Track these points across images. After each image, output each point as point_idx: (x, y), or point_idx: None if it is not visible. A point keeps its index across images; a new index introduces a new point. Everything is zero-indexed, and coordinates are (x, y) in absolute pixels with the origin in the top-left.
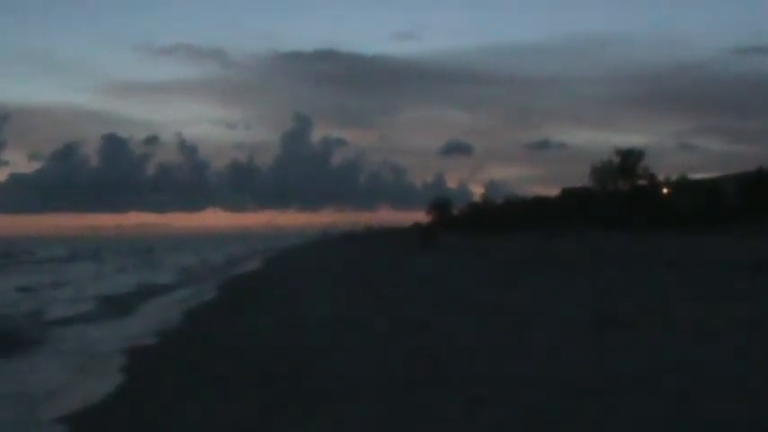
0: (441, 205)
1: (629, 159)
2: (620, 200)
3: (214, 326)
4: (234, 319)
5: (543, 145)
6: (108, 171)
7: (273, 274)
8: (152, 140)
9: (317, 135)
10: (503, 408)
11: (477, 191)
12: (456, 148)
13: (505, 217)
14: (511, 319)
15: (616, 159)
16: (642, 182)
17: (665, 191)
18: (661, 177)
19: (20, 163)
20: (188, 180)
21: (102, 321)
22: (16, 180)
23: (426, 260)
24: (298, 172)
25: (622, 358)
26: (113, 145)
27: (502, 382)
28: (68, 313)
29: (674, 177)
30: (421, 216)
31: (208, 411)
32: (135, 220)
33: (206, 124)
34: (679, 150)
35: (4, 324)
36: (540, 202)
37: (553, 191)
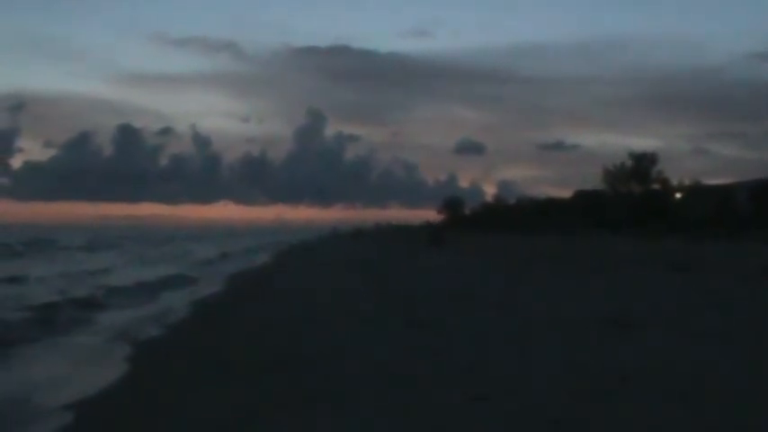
0: (453, 204)
1: (643, 163)
2: (632, 203)
3: (222, 321)
4: (243, 313)
5: (556, 146)
6: (121, 161)
7: (283, 270)
8: (166, 132)
9: (329, 131)
10: (505, 406)
11: (489, 190)
12: (468, 147)
13: (517, 218)
14: (517, 319)
15: (629, 163)
16: (655, 186)
17: (677, 195)
18: (674, 182)
19: (34, 151)
20: (200, 172)
21: (138, 306)
22: (30, 168)
23: (434, 259)
24: (309, 167)
25: (629, 360)
26: (127, 135)
27: (505, 381)
28: (117, 300)
29: (687, 182)
30: (432, 215)
31: (212, 403)
32: (147, 210)
33: (219, 117)
34: (693, 155)
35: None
36: (552, 204)
37: (565, 192)
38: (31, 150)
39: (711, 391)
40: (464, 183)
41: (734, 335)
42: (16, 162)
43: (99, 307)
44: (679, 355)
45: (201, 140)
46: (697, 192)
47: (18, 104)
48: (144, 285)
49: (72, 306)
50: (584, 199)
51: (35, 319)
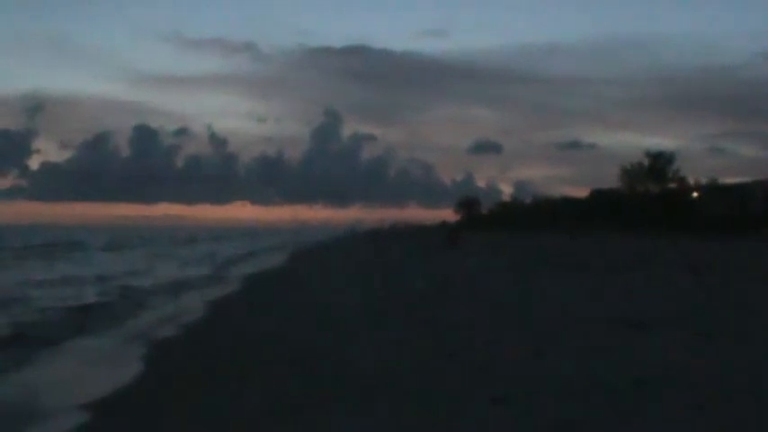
0: (469, 204)
1: (660, 162)
2: (648, 202)
3: (238, 320)
4: (258, 313)
5: (573, 145)
6: (138, 162)
7: (299, 270)
8: (182, 132)
9: (346, 131)
10: (522, 408)
11: (506, 190)
12: (485, 147)
13: (534, 217)
14: (533, 319)
15: (646, 162)
16: (672, 185)
17: (694, 195)
18: (691, 181)
19: (51, 152)
20: (217, 172)
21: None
22: (47, 169)
23: (449, 259)
24: (326, 167)
25: (645, 362)
26: (144, 136)
27: (522, 382)
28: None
29: (703, 181)
30: (449, 214)
31: (227, 403)
32: (163, 210)
33: (236, 117)
34: (709, 154)
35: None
36: (569, 203)
37: (582, 192)
38: (48, 151)
39: (728, 392)
40: (480, 182)
41: (750, 336)
42: (33, 163)
43: (139, 307)
44: (695, 356)
45: (218, 141)
46: (714, 191)
47: (35, 106)
48: (177, 285)
49: (112, 306)
50: (600, 198)
51: (76, 318)
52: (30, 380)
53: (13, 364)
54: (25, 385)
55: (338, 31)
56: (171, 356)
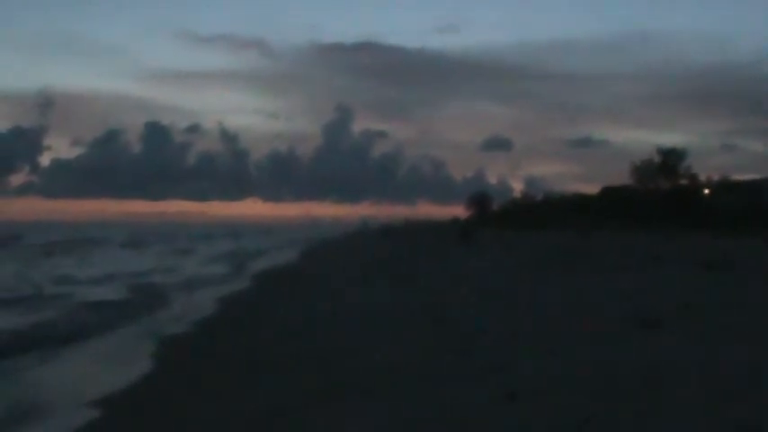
0: (480, 200)
1: (671, 158)
2: (660, 199)
3: (251, 318)
4: (270, 311)
5: (584, 142)
6: (149, 158)
7: (310, 267)
8: (193, 129)
9: (357, 127)
10: (532, 405)
11: (517, 186)
12: (496, 144)
13: (545, 214)
14: (544, 317)
15: (657, 158)
16: (683, 182)
17: (706, 191)
18: (702, 178)
19: (62, 148)
20: (228, 169)
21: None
22: (58, 165)
23: (462, 256)
24: (337, 163)
25: (656, 359)
26: (155, 132)
27: (533, 380)
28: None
29: (715, 178)
30: (460, 211)
31: (239, 399)
32: (175, 207)
33: (247, 114)
34: (721, 150)
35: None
36: (580, 200)
37: (593, 188)
38: (59, 148)
39: (741, 391)
40: (492, 179)
41: (762, 334)
42: (45, 160)
43: (159, 304)
44: (707, 353)
45: (229, 137)
46: (725, 187)
47: (46, 102)
48: (196, 282)
49: (134, 303)
50: (611, 195)
51: (98, 316)
52: (48, 377)
53: (33, 362)
54: (42, 383)
55: (349, 28)
56: (186, 354)
